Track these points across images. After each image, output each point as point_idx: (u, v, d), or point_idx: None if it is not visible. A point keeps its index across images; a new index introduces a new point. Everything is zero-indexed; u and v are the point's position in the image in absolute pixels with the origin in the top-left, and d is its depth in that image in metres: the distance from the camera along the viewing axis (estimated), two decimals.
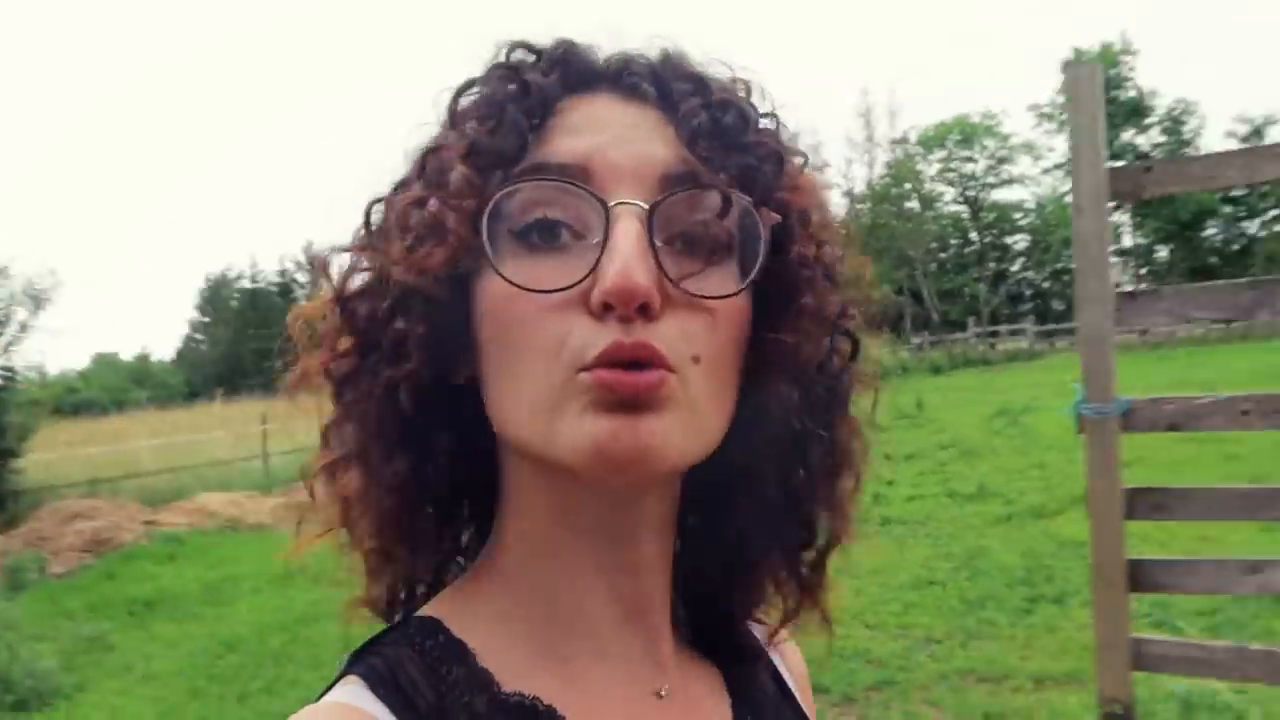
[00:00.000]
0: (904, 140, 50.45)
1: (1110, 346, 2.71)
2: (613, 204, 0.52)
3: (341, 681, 0.55)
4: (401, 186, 0.59)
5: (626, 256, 0.50)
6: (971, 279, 47.05)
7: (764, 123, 0.61)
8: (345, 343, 0.59)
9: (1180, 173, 2.71)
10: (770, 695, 0.70)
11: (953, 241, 49.92)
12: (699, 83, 0.59)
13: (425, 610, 0.60)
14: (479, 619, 0.59)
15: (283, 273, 62.53)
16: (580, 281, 0.51)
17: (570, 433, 0.51)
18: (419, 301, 0.55)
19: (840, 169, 45.37)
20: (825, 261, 0.60)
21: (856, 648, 5.41)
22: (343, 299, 0.59)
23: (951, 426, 14.03)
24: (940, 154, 50.00)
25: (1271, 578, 2.62)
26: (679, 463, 0.53)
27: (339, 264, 0.61)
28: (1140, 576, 2.72)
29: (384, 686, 0.53)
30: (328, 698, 0.54)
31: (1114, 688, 2.73)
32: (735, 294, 0.55)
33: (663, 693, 0.61)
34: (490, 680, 0.55)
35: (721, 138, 0.57)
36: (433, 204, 0.55)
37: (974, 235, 49.56)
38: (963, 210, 49.92)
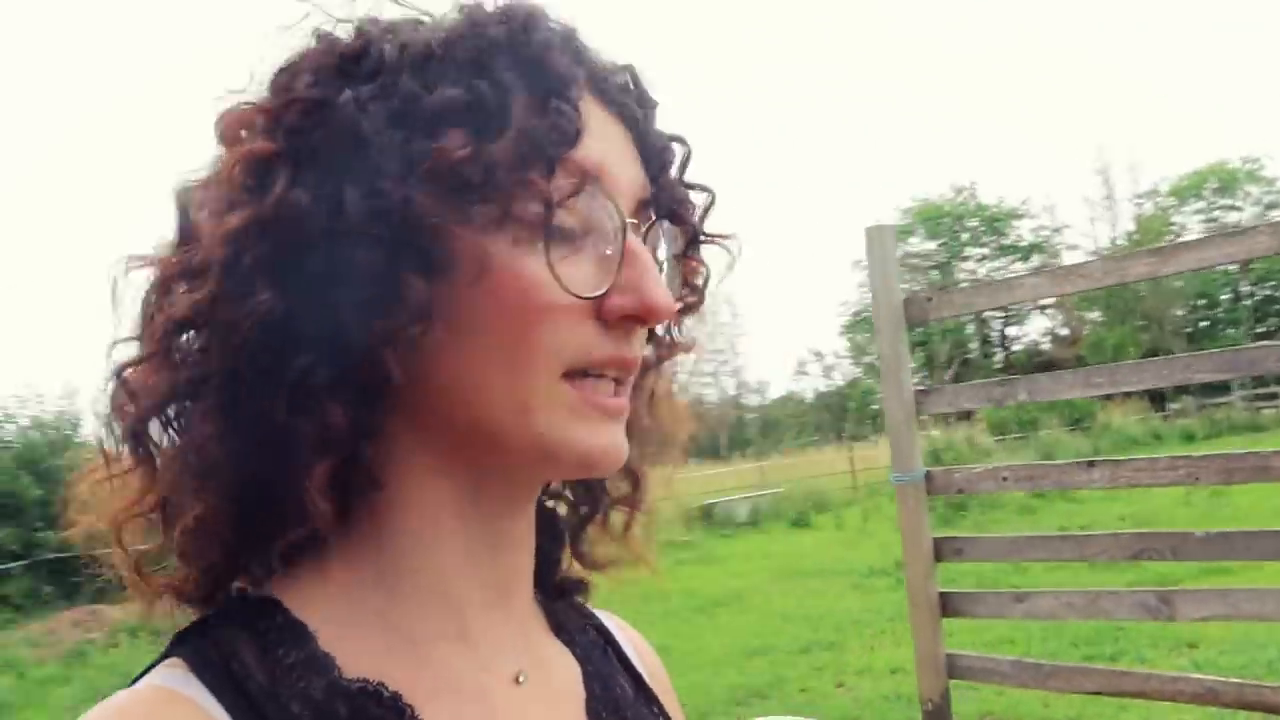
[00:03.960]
0: (1153, 193, 47.40)
1: (910, 428, 3.66)
2: (629, 220, 0.54)
3: (164, 663, 0.51)
4: (407, 117, 0.51)
5: (659, 278, 0.54)
6: (1243, 335, 42.87)
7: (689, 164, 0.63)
8: (261, 290, 0.50)
9: (950, 301, 3.66)
10: (614, 669, 0.69)
11: (1222, 297, 45.87)
12: (655, 110, 0.60)
13: (267, 589, 0.55)
14: (329, 598, 0.54)
15: None
16: (605, 291, 0.53)
17: (576, 436, 0.53)
18: (435, 257, 0.50)
19: (1082, 229, 43.35)
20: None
21: None
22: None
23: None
24: (1197, 205, 46.45)
25: (1034, 605, 3.42)
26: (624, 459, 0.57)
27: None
28: (946, 604, 3.59)
29: (210, 670, 0.50)
30: (146, 679, 0.50)
31: (930, 691, 3.59)
32: (684, 317, 0.65)
33: (520, 678, 0.59)
34: (331, 664, 0.51)
35: (672, 173, 0.61)
36: (490, 155, 0.50)
37: (1244, 288, 45.28)
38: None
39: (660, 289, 0.53)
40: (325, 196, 0.50)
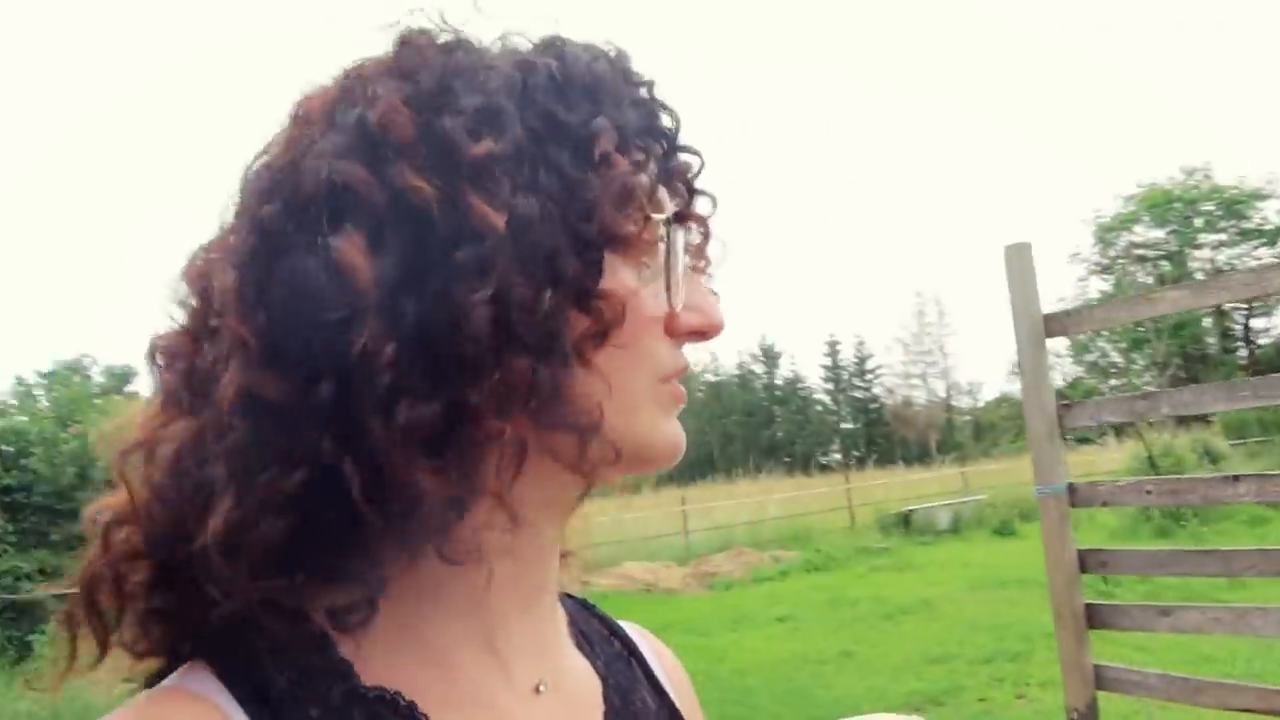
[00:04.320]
0: None
1: (1053, 442, 3.74)
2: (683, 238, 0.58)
3: (186, 665, 0.52)
4: (556, 146, 0.53)
5: (714, 297, 0.60)
6: None
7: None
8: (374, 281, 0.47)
9: (1089, 317, 3.71)
10: (636, 681, 0.69)
11: None
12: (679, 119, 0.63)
13: (288, 600, 0.53)
14: (346, 606, 0.53)
15: (740, 365, 68.08)
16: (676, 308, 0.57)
17: (665, 430, 0.59)
18: (559, 274, 0.51)
19: None
20: None
21: None
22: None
23: None
24: None
25: (1180, 619, 3.42)
26: None
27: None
28: (1092, 616, 3.65)
29: (230, 672, 0.51)
30: (168, 681, 0.51)
31: (1075, 699, 3.66)
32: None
33: (540, 688, 0.60)
34: (349, 671, 0.52)
35: (691, 182, 0.63)
36: (634, 179, 0.54)
37: None
38: None
39: (718, 308, 0.60)
40: (515, 214, 0.52)
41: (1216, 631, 3.40)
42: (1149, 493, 3.50)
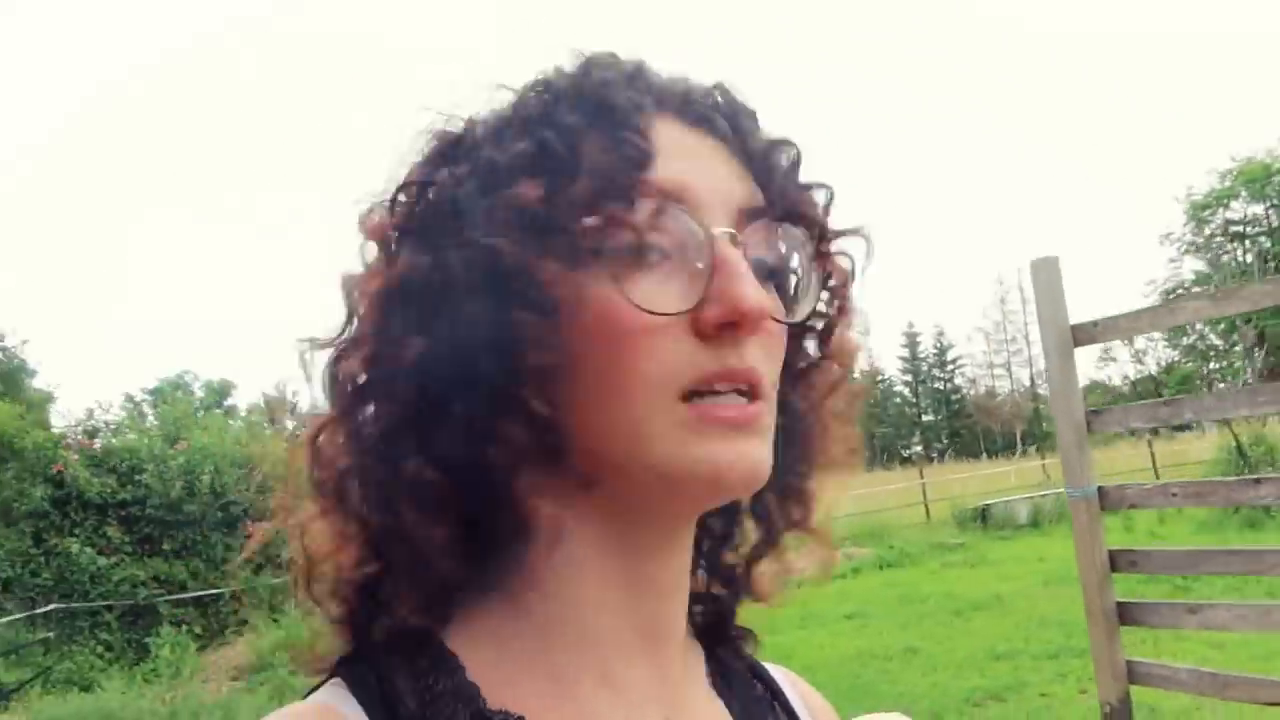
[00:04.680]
0: None
1: (1082, 448, 3.90)
2: (717, 231, 0.54)
3: (328, 683, 0.56)
4: (493, 176, 0.55)
5: (752, 280, 0.53)
6: None
7: (802, 163, 0.63)
8: (406, 345, 0.55)
9: (1114, 326, 3.85)
10: None
11: None
12: (755, 118, 0.62)
13: (420, 621, 0.58)
14: (479, 632, 0.58)
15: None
16: (697, 304, 0.53)
17: (683, 456, 0.52)
18: (537, 296, 0.53)
19: None
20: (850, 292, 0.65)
21: None
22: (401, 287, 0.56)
23: None
24: None
25: (1207, 616, 3.55)
26: (766, 478, 0.55)
27: (382, 243, 0.58)
28: (1123, 614, 3.80)
29: (366, 691, 0.54)
30: (312, 698, 0.55)
31: (1108, 694, 3.81)
32: (798, 322, 0.60)
33: None
34: (476, 694, 0.54)
35: (785, 176, 0.61)
36: (581, 209, 0.53)
37: None
38: None
39: (750, 289, 0.52)
40: (437, 259, 0.54)
41: (1242, 628, 3.52)
42: (1174, 495, 3.64)
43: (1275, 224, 45.64)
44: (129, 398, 28.40)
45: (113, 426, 14.73)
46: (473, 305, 0.53)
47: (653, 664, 0.60)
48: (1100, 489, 3.85)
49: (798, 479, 0.66)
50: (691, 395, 0.53)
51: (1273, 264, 44.67)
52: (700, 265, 0.54)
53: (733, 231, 0.55)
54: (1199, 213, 46.86)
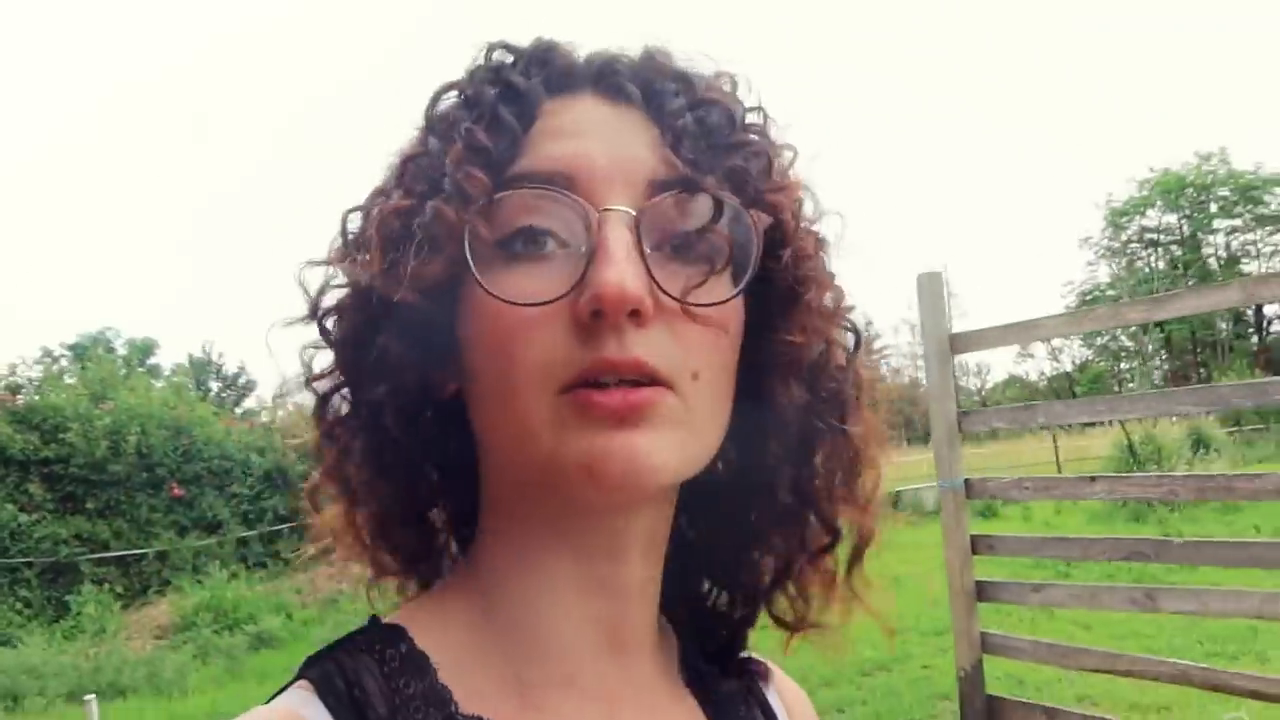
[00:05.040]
0: None
1: (953, 445, 4.40)
2: (600, 210, 0.51)
3: (294, 685, 0.54)
4: (380, 195, 0.57)
5: (617, 261, 0.49)
6: None
7: (751, 118, 0.59)
8: (323, 361, 0.59)
9: (981, 338, 4.36)
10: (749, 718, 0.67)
11: None
12: (683, 81, 0.58)
13: (394, 617, 0.58)
14: (448, 630, 0.57)
15: None
16: (568, 293, 0.50)
17: (562, 452, 0.50)
18: (404, 316, 0.52)
19: None
20: (818, 256, 0.60)
21: None
22: (319, 316, 0.58)
23: None
24: None
25: (1048, 595, 4.10)
26: (672, 480, 0.53)
27: (313, 279, 0.58)
28: (980, 591, 4.33)
29: (334, 695, 0.52)
30: (276, 701, 0.53)
31: (964, 661, 4.35)
32: (728, 300, 0.54)
33: None
34: (449, 698, 0.54)
35: (707, 138, 0.55)
36: (427, 211, 0.52)
37: None
38: None
39: (612, 273, 0.48)
40: (347, 283, 0.57)
41: (1075, 605, 4.08)
42: (1027, 488, 4.17)
43: (1187, 233, 47.80)
44: (47, 352, 27.71)
45: (35, 383, 14.55)
46: (353, 331, 0.56)
47: (619, 669, 0.59)
48: (966, 481, 4.36)
49: (812, 496, 0.62)
50: (574, 388, 0.50)
51: (1182, 271, 46.86)
52: (584, 249, 0.51)
53: (627, 210, 0.51)
54: (1117, 219, 48.88)
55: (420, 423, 0.58)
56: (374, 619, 0.59)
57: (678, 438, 0.52)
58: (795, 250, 0.58)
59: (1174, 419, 18.40)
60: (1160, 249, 49.40)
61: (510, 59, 0.58)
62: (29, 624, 10.83)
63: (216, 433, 13.71)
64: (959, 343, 4.41)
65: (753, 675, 0.70)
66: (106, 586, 11.54)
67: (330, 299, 0.58)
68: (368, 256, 0.55)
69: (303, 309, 0.59)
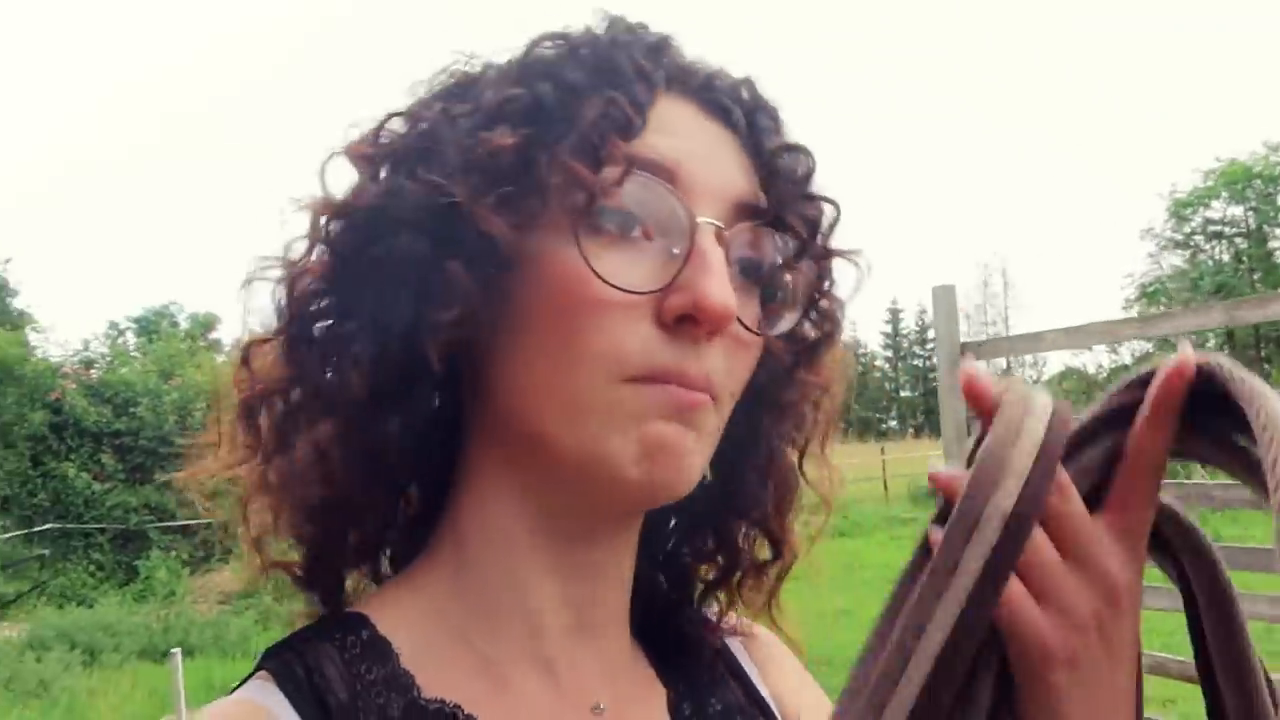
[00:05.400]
0: None
1: (961, 445, 4.66)
2: (700, 219, 0.51)
3: (253, 677, 0.54)
4: (445, 113, 0.54)
5: (722, 277, 0.50)
6: None
7: (815, 175, 0.60)
8: (317, 264, 0.54)
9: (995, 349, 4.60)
10: (726, 707, 0.64)
11: None
12: (776, 120, 0.60)
13: (357, 605, 0.58)
14: (411, 614, 0.56)
15: None
16: (662, 288, 0.50)
17: (608, 437, 0.50)
18: (471, 248, 0.50)
19: None
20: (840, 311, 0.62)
21: None
22: (335, 210, 0.54)
23: None
24: None
25: None
26: (694, 485, 0.53)
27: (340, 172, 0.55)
28: None
29: (293, 683, 0.52)
30: (235, 694, 0.53)
31: None
32: (772, 334, 0.56)
33: (600, 706, 0.58)
34: (410, 683, 0.53)
35: (791, 182, 0.57)
36: (556, 160, 0.50)
37: None
38: None
39: (717, 286, 0.49)
40: (391, 190, 0.53)
41: None
42: None
43: (1253, 226, 46.52)
44: (113, 324, 28.83)
45: (107, 359, 15.34)
46: (406, 242, 0.51)
47: (589, 647, 0.59)
48: None
49: (769, 514, 0.64)
50: (640, 381, 0.50)
51: (1247, 264, 45.66)
52: (676, 250, 0.51)
53: (718, 224, 0.52)
54: (1180, 210, 47.63)
55: (425, 361, 0.52)
56: (332, 607, 0.60)
57: (707, 447, 0.54)
58: (834, 301, 0.62)
59: None
60: (1225, 241, 48.14)
61: (630, 37, 0.57)
62: (101, 585, 11.58)
63: None
64: (971, 350, 4.66)
65: (720, 637, 0.69)
66: (174, 553, 12.23)
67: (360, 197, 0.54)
68: (449, 180, 0.51)
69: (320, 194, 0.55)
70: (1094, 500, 0.46)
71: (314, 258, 0.55)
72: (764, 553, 0.66)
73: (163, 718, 5.00)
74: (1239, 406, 0.43)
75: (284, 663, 0.54)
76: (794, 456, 0.65)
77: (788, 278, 0.57)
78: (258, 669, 0.55)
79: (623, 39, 0.56)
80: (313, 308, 0.55)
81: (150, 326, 26.61)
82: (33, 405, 12.58)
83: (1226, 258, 47.38)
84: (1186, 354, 0.45)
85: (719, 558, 0.67)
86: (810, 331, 0.62)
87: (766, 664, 0.72)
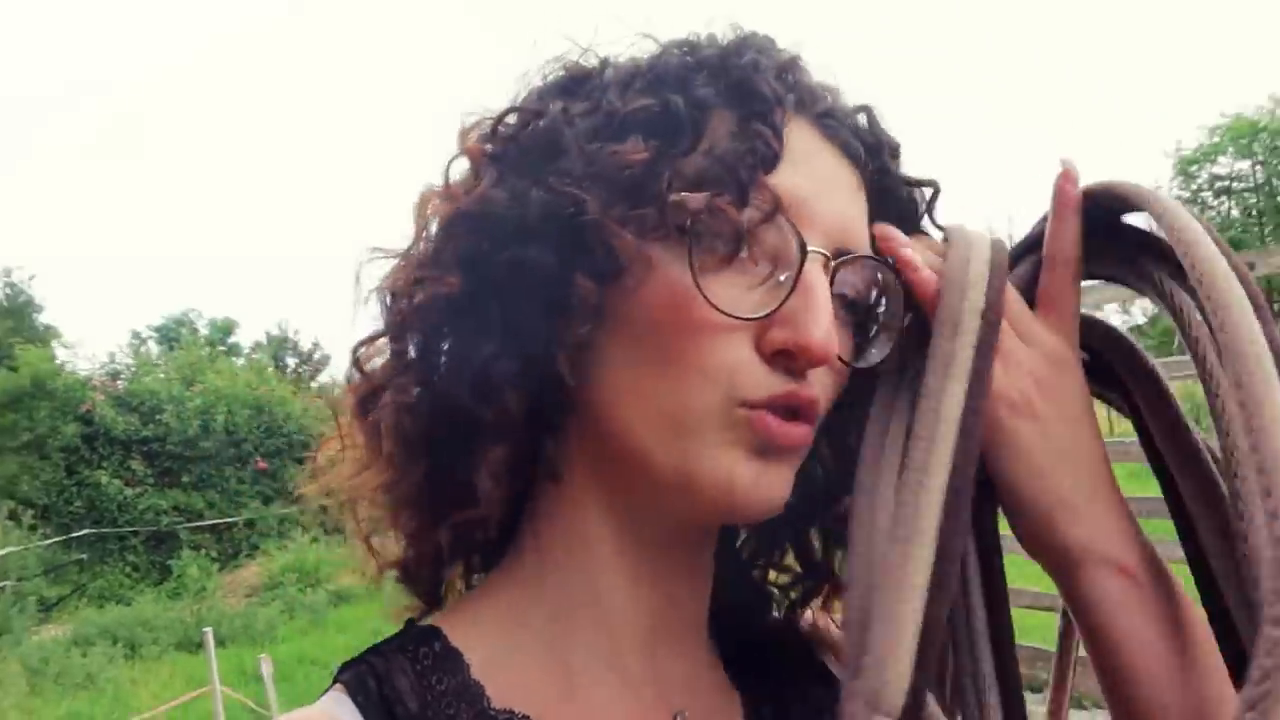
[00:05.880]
0: None
1: None
2: (812, 249, 0.51)
3: (330, 690, 0.55)
4: (604, 126, 0.53)
5: (827, 314, 0.50)
6: None
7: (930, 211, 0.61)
8: (442, 270, 0.53)
9: None
10: (792, 674, 0.65)
11: None
12: (897, 154, 0.60)
13: (431, 619, 0.59)
14: (487, 624, 0.57)
15: None
16: (765, 316, 0.50)
17: (707, 461, 0.50)
18: (594, 260, 0.50)
19: None
20: None
21: None
22: (462, 213, 0.54)
23: None
24: None
25: None
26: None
27: (460, 181, 0.56)
28: None
29: (364, 694, 0.53)
30: (309, 708, 0.54)
31: None
32: (862, 366, 0.56)
33: (684, 716, 0.58)
34: (480, 693, 0.54)
35: (900, 222, 0.58)
36: (689, 177, 0.50)
37: None
38: None
39: (822, 325, 0.49)
40: (518, 196, 0.52)
41: None
42: None
43: (1261, 180, 46.19)
44: (135, 334, 29.48)
45: (132, 369, 15.95)
46: (535, 254, 0.51)
47: (668, 654, 0.58)
48: None
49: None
50: (756, 407, 0.51)
51: (1257, 219, 45.39)
52: (783, 279, 0.51)
53: (827, 255, 0.52)
54: (1187, 167, 47.20)
55: (556, 384, 0.53)
56: (410, 621, 0.60)
57: (794, 474, 0.54)
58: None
59: None
60: (1234, 197, 47.87)
61: (760, 57, 0.56)
62: (137, 584, 12.21)
63: (295, 409, 14.88)
64: None
65: (806, 641, 0.68)
66: (203, 551, 12.84)
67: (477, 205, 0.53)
68: (580, 191, 0.50)
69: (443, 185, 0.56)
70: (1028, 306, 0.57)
71: (438, 263, 0.54)
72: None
73: (200, 689, 5.51)
74: (1162, 241, 0.52)
75: (357, 675, 0.55)
76: None
77: (884, 312, 0.58)
78: (335, 682, 0.56)
79: (755, 59, 0.56)
80: (438, 319, 0.54)
81: (171, 334, 27.24)
82: (65, 418, 13.20)
83: (1236, 213, 47.06)
84: (1066, 159, 0.55)
85: (799, 567, 0.67)
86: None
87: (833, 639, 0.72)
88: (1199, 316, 0.50)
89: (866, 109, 0.59)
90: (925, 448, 0.50)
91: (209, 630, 5.20)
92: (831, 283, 0.53)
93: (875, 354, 0.56)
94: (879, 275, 0.57)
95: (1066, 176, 0.56)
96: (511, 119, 0.56)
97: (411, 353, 0.56)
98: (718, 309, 0.49)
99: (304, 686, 7.40)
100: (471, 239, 0.53)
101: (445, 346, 0.55)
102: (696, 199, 0.50)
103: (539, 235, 0.51)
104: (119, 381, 14.68)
